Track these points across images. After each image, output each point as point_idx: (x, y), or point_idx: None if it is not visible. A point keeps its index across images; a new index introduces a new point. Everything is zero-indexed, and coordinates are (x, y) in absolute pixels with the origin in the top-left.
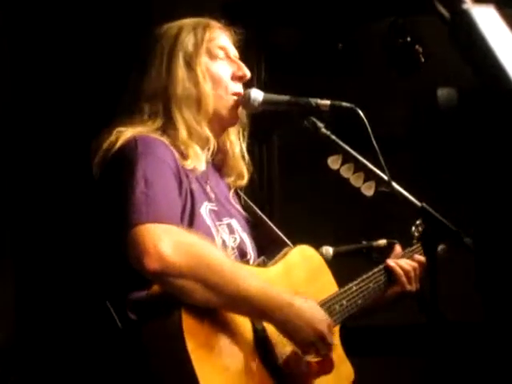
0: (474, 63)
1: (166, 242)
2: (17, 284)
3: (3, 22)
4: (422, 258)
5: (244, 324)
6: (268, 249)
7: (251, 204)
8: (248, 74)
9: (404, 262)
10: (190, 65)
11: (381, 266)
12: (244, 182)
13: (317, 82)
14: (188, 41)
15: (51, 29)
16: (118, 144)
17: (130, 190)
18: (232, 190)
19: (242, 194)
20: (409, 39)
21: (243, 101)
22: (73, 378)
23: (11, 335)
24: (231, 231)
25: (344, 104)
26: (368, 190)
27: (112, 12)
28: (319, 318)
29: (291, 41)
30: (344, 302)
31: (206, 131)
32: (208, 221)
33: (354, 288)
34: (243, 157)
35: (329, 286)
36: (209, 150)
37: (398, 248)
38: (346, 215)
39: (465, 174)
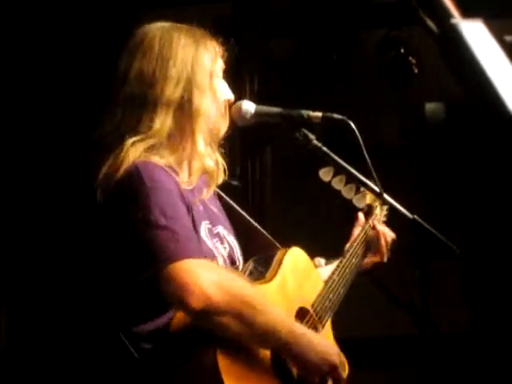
0: (462, 76)
1: (206, 278)
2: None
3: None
4: (385, 227)
5: (263, 352)
6: (252, 248)
7: (229, 201)
8: (233, 97)
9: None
10: (210, 81)
11: (350, 246)
12: (221, 177)
13: (309, 93)
14: (207, 57)
15: (49, 32)
16: (121, 171)
17: (152, 228)
18: (209, 192)
19: (220, 192)
20: (402, 51)
21: (235, 113)
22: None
23: (4, 347)
24: (221, 241)
25: (336, 116)
26: (360, 201)
27: (104, 24)
28: (332, 351)
29: (285, 51)
30: (331, 295)
31: (207, 148)
32: (209, 243)
33: (336, 278)
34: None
35: (316, 283)
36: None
37: (361, 216)
38: (337, 227)
39: (453, 186)
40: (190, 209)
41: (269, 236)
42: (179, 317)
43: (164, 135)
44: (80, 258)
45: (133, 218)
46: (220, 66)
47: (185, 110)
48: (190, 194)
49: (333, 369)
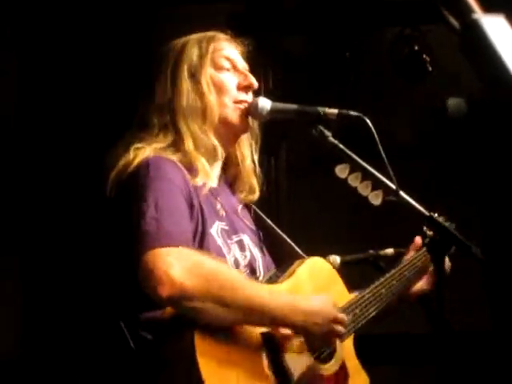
0: (484, 72)
1: (176, 266)
2: (24, 287)
3: (12, 33)
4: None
5: (254, 336)
6: (282, 260)
7: (263, 216)
8: (255, 83)
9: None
10: (194, 76)
11: (393, 271)
12: (255, 196)
13: (324, 91)
14: (193, 53)
15: (61, 38)
16: (134, 165)
17: (141, 215)
18: (241, 205)
19: (254, 206)
20: (416, 48)
21: (251, 109)
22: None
23: (17, 345)
24: (242, 248)
25: (352, 112)
26: (376, 198)
27: (121, 24)
28: (326, 304)
29: (299, 49)
30: (357, 311)
31: (212, 139)
32: (219, 241)
33: (367, 296)
34: (254, 171)
35: (341, 296)
36: (216, 160)
37: (418, 240)
38: (354, 224)
39: (474, 183)
40: (195, 204)
41: (297, 248)
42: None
43: (166, 139)
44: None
45: (130, 207)
46: (226, 56)
47: (171, 112)
48: (209, 193)
49: (334, 319)
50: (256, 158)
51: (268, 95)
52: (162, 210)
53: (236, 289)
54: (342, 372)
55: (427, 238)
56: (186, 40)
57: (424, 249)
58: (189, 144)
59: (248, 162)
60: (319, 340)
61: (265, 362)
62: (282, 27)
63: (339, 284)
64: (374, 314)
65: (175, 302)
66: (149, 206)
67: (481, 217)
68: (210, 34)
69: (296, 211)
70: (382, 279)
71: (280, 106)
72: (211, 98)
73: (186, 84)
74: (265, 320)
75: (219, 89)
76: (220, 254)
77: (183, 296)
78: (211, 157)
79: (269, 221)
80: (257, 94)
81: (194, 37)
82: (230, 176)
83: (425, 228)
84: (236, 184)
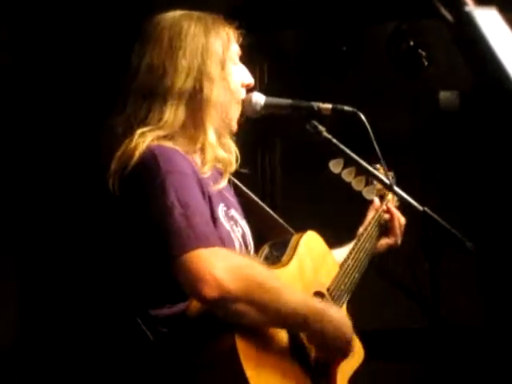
0: (477, 65)
1: (220, 267)
2: (19, 286)
3: (5, 20)
4: (397, 211)
5: (281, 335)
6: (267, 234)
7: (244, 189)
8: (253, 81)
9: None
10: (222, 70)
11: (365, 228)
12: (233, 167)
13: (320, 85)
14: (218, 45)
15: (53, 27)
16: (137, 156)
17: (168, 214)
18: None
19: (233, 179)
20: (412, 43)
21: (245, 105)
22: (77, 379)
23: (14, 336)
24: (236, 224)
25: (346, 108)
26: (369, 193)
27: (114, 7)
28: (346, 322)
29: (294, 44)
30: (346, 279)
31: (227, 137)
32: (227, 225)
33: (351, 263)
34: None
35: (332, 267)
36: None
37: (376, 201)
38: (347, 218)
39: (466, 177)
40: (205, 193)
41: (282, 222)
42: (195, 303)
43: (175, 126)
44: (99, 246)
45: (150, 203)
46: (235, 50)
47: (196, 101)
48: (206, 181)
49: (348, 340)
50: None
51: (263, 90)
52: (188, 206)
53: (276, 293)
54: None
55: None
56: (204, 27)
57: (381, 205)
58: (211, 137)
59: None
60: (330, 352)
61: (297, 362)
62: (277, 21)
63: (330, 255)
64: (358, 277)
65: (220, 304)
66: (173, 203)
67: (474, 211)
68: (222, 22)
69: (291, 206)
70: (358, 242)
71: (274, 100)
72: (230, 95)
73: (218, 78)
74: (295, 325)
75: (235, 87)
76: (229, 240)
77: (228, 298)
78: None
79: (251, 194)
80: (251, 88)
81: (210, 23)
82: None
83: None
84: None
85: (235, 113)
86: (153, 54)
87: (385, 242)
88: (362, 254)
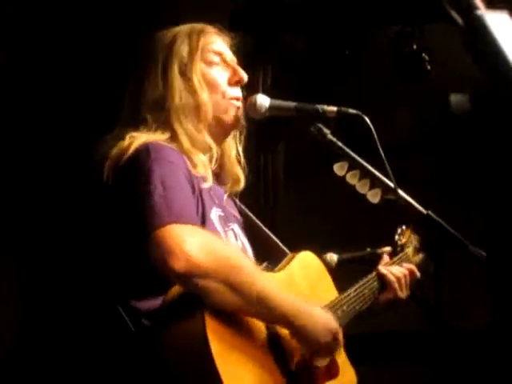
0: (488, 68)
1: (190, 242)
2: (21, 286)
3: (4, 23)
4: (411, 266)
5: (258, 326)
6: (265, 255)
7: (246, 210)
8: (245, 77)
9: (395, 269)
10: (185, 74)
11: (374, 273)
12: (240, 187)
13: (324, 88)
14: (183, 49)
15: (52, 32)
16: (132, 149)
17: (149, 194)
18: (226, 195)
19: (236, 200)
20: (415, 47)
21: (249, 107)
22: (77, 379)
23: (16, 336)
24: (236, 237)
25: (350, 111)
26: (374, 197)
27: (116, 16)
28: (331, 319)
29: (298, 47)
30: (344, 307)
31: (207, 139)
32: (218, 227)
33: (352, 294)
34: (239, 161)
35: (329, 291)
36: (212, 157)
37: (386, 257)
38: (351, 222)
39: (477, 180)
40: (196, 189)
41: (281, 245)
42: (173, 289)
43: (163, 134)
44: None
45: (135, 190)
46: (215, 52)
47: (165, 109)
48: (199, 179)
49: (335, 336)
50: (240, 148)
51: (267, 92)
52: (170, 188)
53: (251, 276)
54: (334, 366)
55: (399, 247)
56: (174, 34)
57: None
58: (185, 143)
59: (233, 153)
60: (319, 350)
61: (271, 353)
62: (281, 24)
63: (327, 279)
64: (358, 311)
65: (187, 276)
66: (156, 186)
67: (483, 215)
68: (198, 27)
69: (294, 209)
70: (365, 279)
71: (278, 103)
72: (204, 95)
73: (177, 82)
74: (272, 315)
75: (211, 85)
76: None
77: (197, 273)
78: (206, 153)
79: (253, 216)
80: (256, 90)
81: (183, 30)
82: (216, 167)
83: (397, 237)
84: (221, 175)
85: (222, 110)
86: (138, 67)
87: (384, 296)
88: (367, 291)
